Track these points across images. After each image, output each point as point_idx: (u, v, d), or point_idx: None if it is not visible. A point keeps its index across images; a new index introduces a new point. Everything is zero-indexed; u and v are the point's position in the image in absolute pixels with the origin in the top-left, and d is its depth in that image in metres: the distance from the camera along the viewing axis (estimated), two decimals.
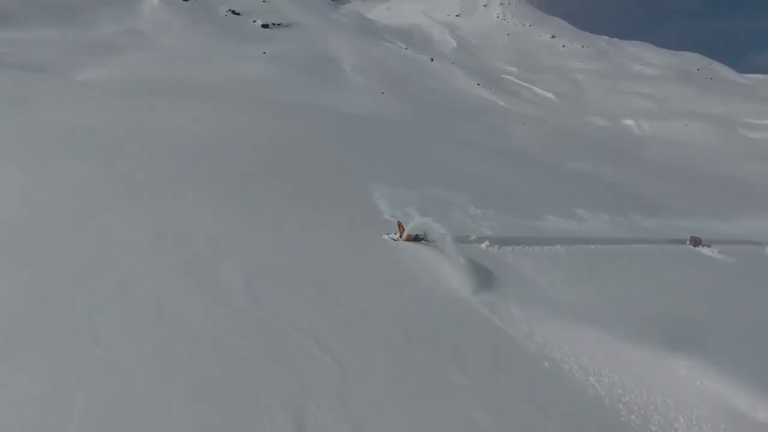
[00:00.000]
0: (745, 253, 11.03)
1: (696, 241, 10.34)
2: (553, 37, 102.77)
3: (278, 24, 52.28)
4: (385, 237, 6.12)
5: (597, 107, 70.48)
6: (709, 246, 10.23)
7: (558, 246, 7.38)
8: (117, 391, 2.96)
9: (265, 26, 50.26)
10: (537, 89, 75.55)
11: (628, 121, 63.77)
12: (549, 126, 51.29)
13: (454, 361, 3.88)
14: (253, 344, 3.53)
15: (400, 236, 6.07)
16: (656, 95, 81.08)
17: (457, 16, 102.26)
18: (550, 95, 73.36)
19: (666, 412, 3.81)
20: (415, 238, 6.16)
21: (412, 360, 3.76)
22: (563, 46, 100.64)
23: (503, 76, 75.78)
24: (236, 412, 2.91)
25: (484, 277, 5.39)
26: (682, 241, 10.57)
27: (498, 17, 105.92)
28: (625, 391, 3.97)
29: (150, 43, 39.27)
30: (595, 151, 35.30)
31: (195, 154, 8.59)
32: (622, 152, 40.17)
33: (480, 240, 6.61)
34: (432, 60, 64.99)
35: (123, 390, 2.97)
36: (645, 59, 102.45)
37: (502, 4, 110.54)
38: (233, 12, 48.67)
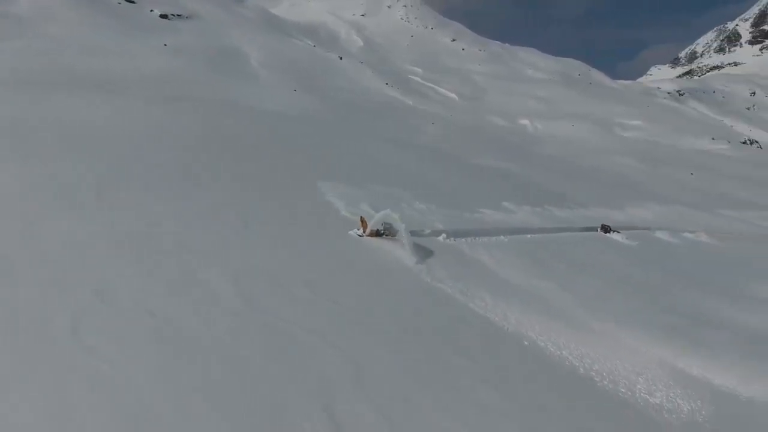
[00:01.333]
0: (642, 237, 12.60)
1: (606, 228, 11.63)
2: (454, 40, 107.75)
3: (178, 15, 49.16)
4: (351, 233, 6.21)
5: (496, 107, 75.25)
6: (618, 231, 11.57)
7: (501, 236, 7.98)
8: (134, 409, 2.80)
9: (164, 16, 47.00)
10: (441, 90, 78.79)
11: (524, 121, 68.90)
12: (455, 125, 53.77)
13: (450, 345, 4.14)
14: (261, 347, 3.50)
15: (364, 231, 6.21)
16: (546, 97, 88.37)
17: (363, 15, 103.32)
18: (453, 96, 76.90)
19: (628, 376, 4.38)
20: (377, 233, 6.34)
21: (414, 348, 3.96)
22: (463, 49, 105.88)
23: (409, 76, 78.04)
24: (268, 413, 2.90)
25: (452, 267, 5.72)
26: (593, 229, 11.83)
27: (402, 19, 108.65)
28: (593, 361, 4.49)
29: (30, 31, 35.01)
30: (501, 149, 37.79)
31: (126, 154, 8.01)
32: (522, 149, 43.40)
33: (436, 233, 6.96)
34: (341, 58, 65.14)
35: (141, 406, 2.82)
36: (534, 64, 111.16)
37: (405, 6, 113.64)
38: (127, 0, 44.93)
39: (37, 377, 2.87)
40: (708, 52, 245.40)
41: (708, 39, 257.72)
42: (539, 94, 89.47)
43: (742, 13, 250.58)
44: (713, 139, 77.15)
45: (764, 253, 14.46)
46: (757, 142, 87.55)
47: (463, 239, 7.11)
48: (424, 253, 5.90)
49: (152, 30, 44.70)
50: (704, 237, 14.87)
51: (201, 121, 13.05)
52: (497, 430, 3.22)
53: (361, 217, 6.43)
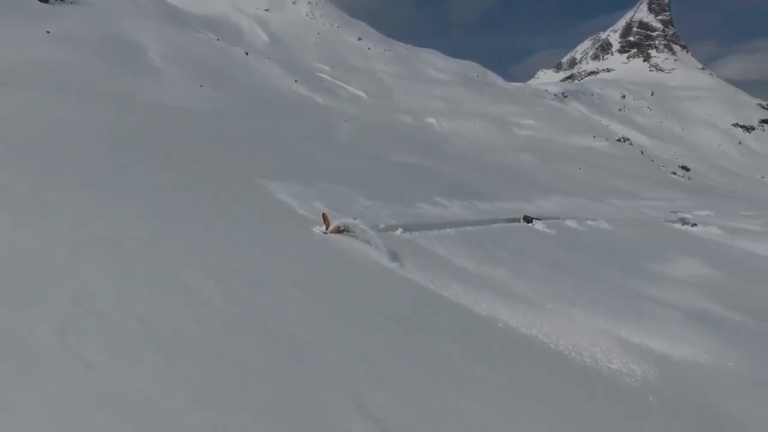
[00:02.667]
0: (556, 225, 13.85)
1: (528, 219, 12.63)
2: (360, 39, 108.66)
3: (61, 0, 44.28)
4: (315, 230, 6.22)
5: (404, 106, 77.26)
6: (540, 219, 12.62)
7: (448, 229, 8.41)
8: (153, 422, 2.66)
9: (43, 0, 42.05)
10: (350, 88, 79.18)
11: (431, 120, 71.60)
12: (367, 123, 54.46)
13: (437, 332, 4.39)
14: (265, 349, 3.48)
15: (327, 229, 6.25)
16: (449, 97, 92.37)
17: (266, 10, 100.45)
18: (362, 94, 77.66)
19: (588, 348, 4.94)
20: (338, 230, 6.41)
21: (407, 338, 4.15)
22: (369, 49, 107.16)
23: (318, 74, 77.45)
24: (306, 412, 2.92)
25: (415, 259, 5.96)
26: (516, 219, 12.79)
27: (307, 15, 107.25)
28: (558, 337, 4.99)
29: None
30: (414, 146, 39.02)
31: (52, 153, 7.28)
32: (432, 146, 45.18)
33: (392, 228, 7.17)
34: (247, 54, 62.89)
35: (160, 419, 2.69)
36: (436, 65, 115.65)
37: (310, 3, 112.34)
38: None
39: (39, 399, 2.61)
40: (585, 58, 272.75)
41: (585, 47, 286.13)
42: (443, 94, 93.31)
43: (612, 25, 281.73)
44: (594, 137, 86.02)
45: (651, 235, 16.57)
46: (629, 139, 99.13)
47: (417, 233, 7.41)
48: (387, 247, 6.07)
49: (30, 15, 39.77)
50: (604, 224, 16.70)
51: (116, 117, 12.08)
52: (500, 401, 3.51)
53: (323, 214, 6.45)
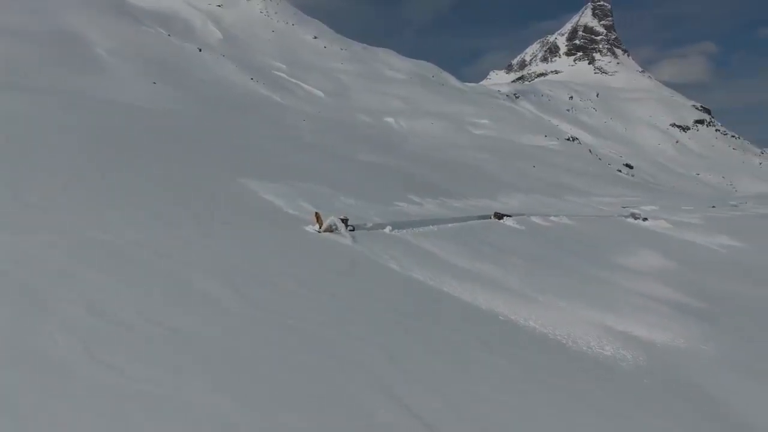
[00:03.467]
0: (523, 221, 14.33)
1: (499, 215, 13.01)
2: (315, 37, 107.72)
3: None
4: (308, 229, 6.21)
5: (362, 105, 77.22)
6: (509, 216, 13.02)
7: (431, 226, 8.57)
8: (201, 423, 2.64)
9: None
10: (307, 86, 78.31)
11: (389, 119, 71.91)
12: (327, 122, 54.13)
13: (444, 324, 4.51)
14: (290, 346, 3.50)
15: (320, 227, 6.26)
16: (406, 96, 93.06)
17: (219, 6, 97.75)
18: (320, 93, 76.99)
19: (582, 336, 5.20)
20: (330, 229, 6.43)
21: (421, 332, 4.26)
22: (325, 47, 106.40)
23: (274, 72, 76.15)
24: (344, 407, 2.96)
25: (410, 256, 6.07)
26: (487, 216, 13.16)
27: (261, 12, 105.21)
28: (554, 327, 5.23)
29: None
30: (376, 145, 39.14)
31: (26, 154, 6.90)
32: (393, 146, 45.46)
33: (380, 226, 7.25)
34: (200, 50, 61.01)
35: (210, 420, 2.67)
36: (392, 64, 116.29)
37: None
38: None
39: (84, 416, 2.50)
40: (535, 60, 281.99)
41: (534, 49, 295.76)
42: (400, 94, 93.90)
43: (559, 28, 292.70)
44: (546, 136, 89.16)
45: (609, 230, 17.43)
46: (577, 138, 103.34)
47: (404, 230, 7.52)
48: (382, 245, 6.15)
49: None
50: (566, 219, 17.41)
51: (78, 117, 11.51)
52: (516, 388, 3.68)
53: (316, 213, 6.44)
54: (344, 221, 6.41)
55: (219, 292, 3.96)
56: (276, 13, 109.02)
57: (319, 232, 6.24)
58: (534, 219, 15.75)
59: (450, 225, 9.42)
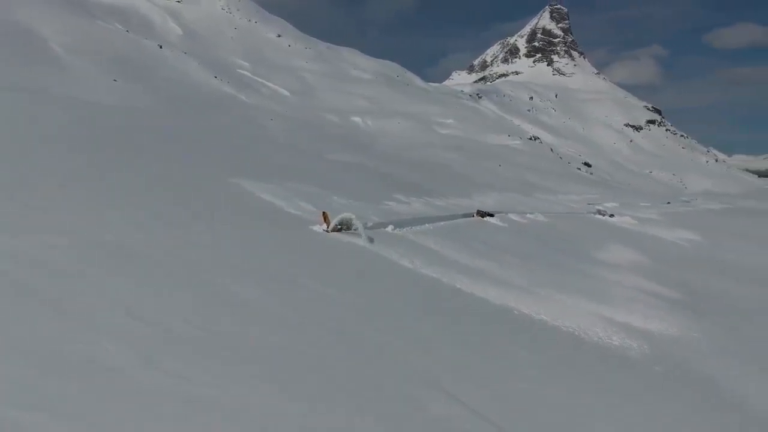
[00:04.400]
0: (504, 219, 14.67)
1: (482, 214, 13.29)
2: (279, 36, 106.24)
3: None
4: (315, 229, 6.19)
5: (328, 105, 76.73)
6: (491, 215, 13.31)
7: (426, 225, 8.69)
8: (269, 424, 2.64)
9: None
10: (272, 85, 77.14)
11: (356, 119, 71.75)
12: (294, 121, 53.54)
13: (465, 319, 4.63)
14: (340, 347, 3.53)
15: (328, 227, 6.25)
16: (372, 96, 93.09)
17: (178, 2, 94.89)
18: (285, 92, 75.98)
19: (591, 328, 5.43)
20: (336, 229, 6.44)
21: (444, 326, 4.38)
22: (289, 46, 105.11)
23: (238, 70, 74.66)
24: (404, 403, 3.01)
25: (418, 254, 6.16)
26: (470, 214, 13.41)
27: (223, 9, 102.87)
28: (563, 319, 5.45)
29: None
30: (346, 145, 39.04)
31: (8, 155, 6.54)
32: (364, 146, 45.46)
33: (382, 225, 7.30)
34: (161, 47, 59.12)
35: (277, 420, 2.67)
36: (358, 64, 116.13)
37: None
38: None
39: (158, 425, 2.44)
40: (496, 61, 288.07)
41: (494, 50, 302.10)
42: (366, 93, 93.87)
43: (519, 30, 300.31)
44: (509, 135, 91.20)
45: (581, 226, 18.07)
46: (539, 138, 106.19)
47: (404, 229, 7.60)
48: (388, 243, 6.21)
49: None
50: (541, 217, 17.92)
51: (49, 115, 11.00)
52: (549, 379, 3.82)
53: (324, 213, 6.43)
54: (346, 223, 6.42)
55: (248, 293, 3.92)
56: (238, 10, 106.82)
57: (327, 231, 6.24)
58: (512, 216, 16.14)
59: (442, 223, 9.57)
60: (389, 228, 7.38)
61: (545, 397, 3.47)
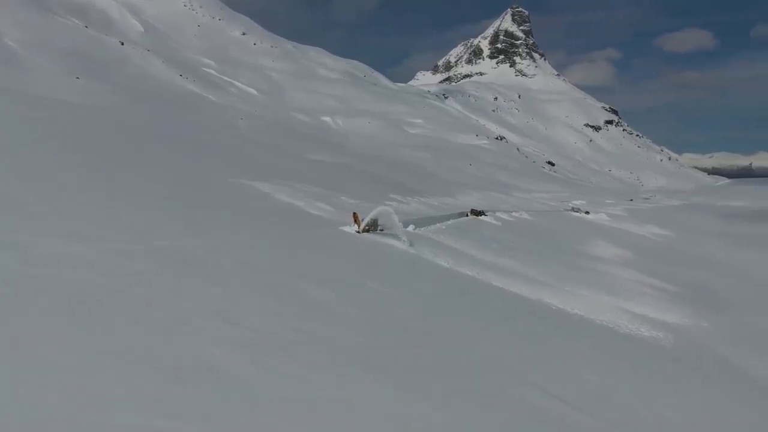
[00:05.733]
0: (495, 217, 14.97)
1: (476, 212, 13.50)
2: (244, 34, 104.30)
3: None
4: (347, 230, 6.18)
5: (296, 104, 75.90)
6: (485, 214, 13.54)
7: (438, 224, 8.81)
8: (384, 421, 2.65)
9: None
10: (239, 84, 75.69)
11: (326, 118, 71.28)
12: (264, 120, 52.76)
13: (514, 315, 4.75)
14: (417, 343, 3.56)
15: (359, 228, 6.25)
16: (340, 96, 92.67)
17: None
18: (252, 91, 74.67)
19: (616, 320, 5.65)
20: (367, 230, 6.46)
21: (502, 323, 4.46)
22: (254, 44, 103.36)
23: (203, 68, 72.88)
24: (496, 392, 3.08)
25: (450, 253, 6.25)
26: (465, 213, 13.61)
27: (185, 6, 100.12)
28: (593, 314, 5.65)
29: None
30: (321, 145, 38.76)
31: (16, 157, 6.24)
32: (338, 145, 45.23)
33: (404, 224, 7.35)
34: (122, 44, 57.04)
35: (394, 418, 2.70)
36: (324, 63, 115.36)
37: None
38: None
39: (288, 427, 2.41)
40: (460, 62, 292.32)
41: (458, 51, 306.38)
42: (333, 93, 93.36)
43: (480, 32, 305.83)
44: (477, 135, 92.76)
45: (563, 223, 18.62)
46: (504, 138, 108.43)
47: (423, 228, 7.68)
48: (417, 243, 6.26)
49: None
50: (525, 215, 18.36)
51: (19, 115, 10.46)
52: (611, 369, 3.98)
53: (354, 213, 6.42)
54: (374, 224, 6.44)
55: (323, 296, 3.90)
56: (201, 7, 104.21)
57: (358, 232, 6.24)
58: (501, 215, 16.48)
59: (450, 222, 9.71)
60: (410, 228, 7.44)
61: (615, 388, 3.62)
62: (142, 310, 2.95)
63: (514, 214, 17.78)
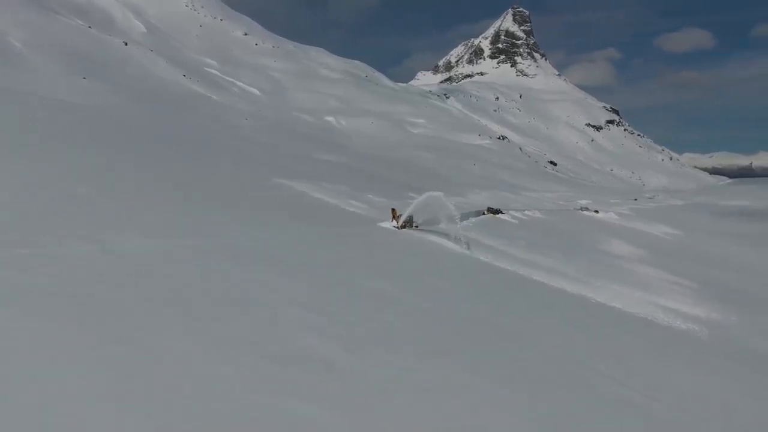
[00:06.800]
0: (514, 215, 15.07)
1: (492, 211, 13.61)
2: (246, 34, 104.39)
3: None
4: (385, 225, 6.30)
5: (299, 104, 76.00)
6: (502, 212, 13.66)
7: (464, 222, 8.92)
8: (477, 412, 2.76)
9: None
10: (241, 84, 75.79)
11: (329, 118, 71.40)
12: (268, 120, 52.85)
13: (564, 309, 4.85)
14: (487, 335, 3.66)
15: (398, 224, 6.38)
16: (342, 96, 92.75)
17: None
18: (255, 91, 74.75)
19: (652, 314, 5.76)
20: (404, 226, 6.58)
21: (557, 316, 4.57)
22: (256, 44, 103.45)
23: (206, 68, 72.98)
24: (564, 377, 3.19)
25: (486, 250, 6.37)
26: (482, 212, 13.72)
27: (187, 6, 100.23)
28: (630, 308, 5.77)
29: None
30: (325, 145, 38.86)
31: (52, 158, 6.36)
32: (342, 146, 45.35)
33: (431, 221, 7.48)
34: (126, 44, 57.12)
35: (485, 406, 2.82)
36: (326, 64, 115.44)
37: None
38: None
39: (391, 412, 2.50)
40: (461, 62, 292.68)
41: (459, 51, 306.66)
42: (336, 93, 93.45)
43: (480, 32, 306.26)
44: (480, 135, 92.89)
45: (576, 222, 18.75)
46: (506, 137, 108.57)
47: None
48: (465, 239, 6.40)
49: None
50: (538, 213, 18.48)
51: (31, 115, 10.57)
52: (663, 358, 4.10)
53: (393, 209, 6.54)
54: (410, 220, 6.56)
55: (387, 288, 4.02)
56: (202, 7, 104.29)
57: (397, 228, 6.36)
58: (515, 213, 16.60)
59: (473, 219, 9.83)
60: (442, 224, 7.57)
61: (669, 376, 3.74)
62: (234, 302, 3.07)
63: (527, 212, 17.89)
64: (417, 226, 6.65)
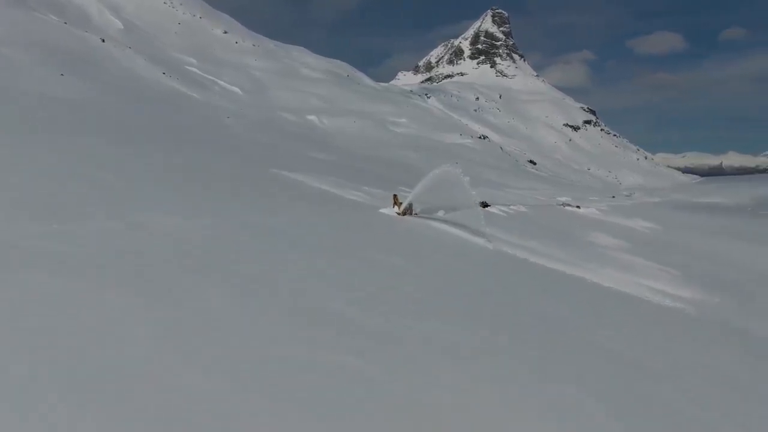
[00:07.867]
0: (501, 209, 15.39)
1: (483, 204, 13.91)
2: (226, 32, 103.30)
3: None
4: (386, 212, 6.49)
5: (281, 103, 75.58)
6: (490, 206, 13.97)
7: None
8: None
9: None
10: (222, 83, 75.03)
11: (312, 117, 71.20)
12: (251, 119, 52.49)
13: (595, 296, 5.12)
14: (525, 326, 3.83)
15: (399, 210, 6.57)
16: (324, 95, 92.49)
17: None
18: (236, 90, 74.07)
19: (640, 292, 6.08)
20: (404, 213, 6.78)
21: (588, 306, 4.82)
22: (236, 43, 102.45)
23: (186, 66, 72.07)
24: (614, 375, 3.43)
25: (496, 240, 6.61)
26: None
27: (165, 3, 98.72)
28: (634, 291, 6.06)
29: None
30: (312, 143, 38.84)
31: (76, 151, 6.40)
32: (327, 144, 45.33)
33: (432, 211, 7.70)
34: (104, 41, 56.07)
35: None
36: (307, 63, 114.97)
37: None
38: None
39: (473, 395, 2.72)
40: (441, 63, 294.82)
41: (439, 52, 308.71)
42: (318, 92, 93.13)
43: (460, 33, 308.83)
44: (461, 134, 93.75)
45: (559, 216, 19.21)
46: (487, 137, 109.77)
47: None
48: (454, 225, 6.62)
49: None
50: (522, 208, 18.89)
51: (20, 107, 10.51)
52: (635, 326, 4.39)
53: (394, 195, 6.72)
54: (410, 207, 6.76)
55: (401, 264, 4.21)
56: (181, 4, 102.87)
57: (399, 214, 6.54)
58: (501, 207, 16.96)
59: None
60: (441, 212, 7.79)
61: (673, 341, 4.03)
62: (267, 272, 3.24)
63: (512, 207, 18.28)
64: (416, 214, 6.85)
